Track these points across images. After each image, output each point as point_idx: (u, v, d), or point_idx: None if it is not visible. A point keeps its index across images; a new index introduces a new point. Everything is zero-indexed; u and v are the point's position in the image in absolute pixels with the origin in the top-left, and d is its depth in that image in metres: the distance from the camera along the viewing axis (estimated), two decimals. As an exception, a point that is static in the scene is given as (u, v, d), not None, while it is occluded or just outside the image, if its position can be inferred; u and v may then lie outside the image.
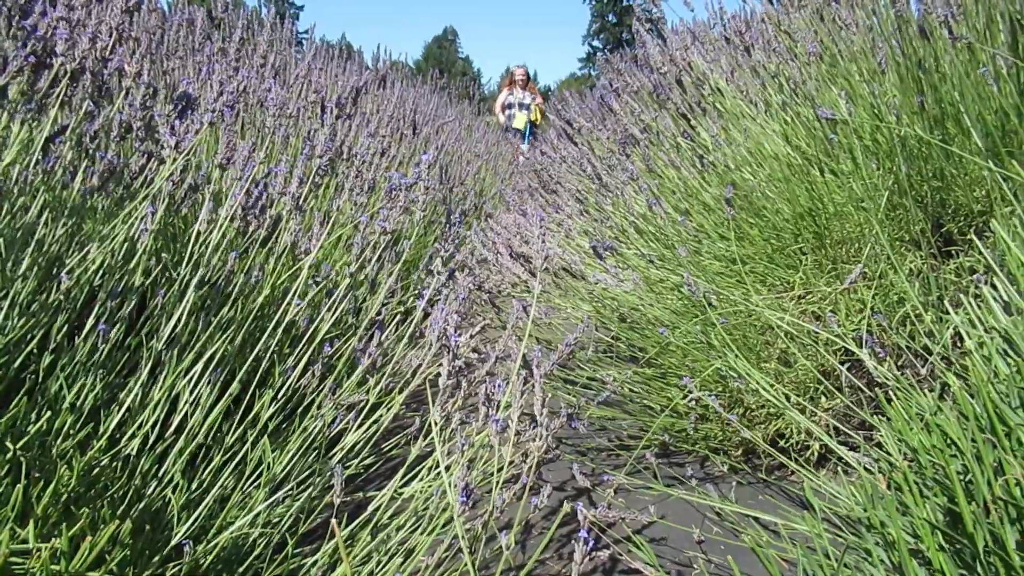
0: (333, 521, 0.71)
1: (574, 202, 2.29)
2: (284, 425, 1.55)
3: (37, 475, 0.79)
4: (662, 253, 2.24)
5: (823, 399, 1.78)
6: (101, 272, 1.35)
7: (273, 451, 1.25)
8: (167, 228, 1.81)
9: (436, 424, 0.94)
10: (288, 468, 1.14)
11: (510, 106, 10.09)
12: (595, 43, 50.45)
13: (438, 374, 1.39)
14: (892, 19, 1.73)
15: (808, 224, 1.97)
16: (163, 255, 1.64)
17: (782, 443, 1.80)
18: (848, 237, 1.92)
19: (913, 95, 1.71)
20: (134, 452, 1.02)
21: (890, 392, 1.34)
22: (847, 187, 1.87)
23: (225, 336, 1.11)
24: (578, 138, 2.50)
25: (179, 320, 1.17)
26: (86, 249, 1.20)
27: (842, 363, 1.73)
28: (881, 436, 1.28)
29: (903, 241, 1.81)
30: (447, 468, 1.10)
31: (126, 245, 1.21)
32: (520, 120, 9.92)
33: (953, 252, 1.74)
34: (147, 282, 1.66)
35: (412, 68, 12.48)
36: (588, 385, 2.11)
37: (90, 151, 1.32)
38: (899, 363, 1.70)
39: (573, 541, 1.62)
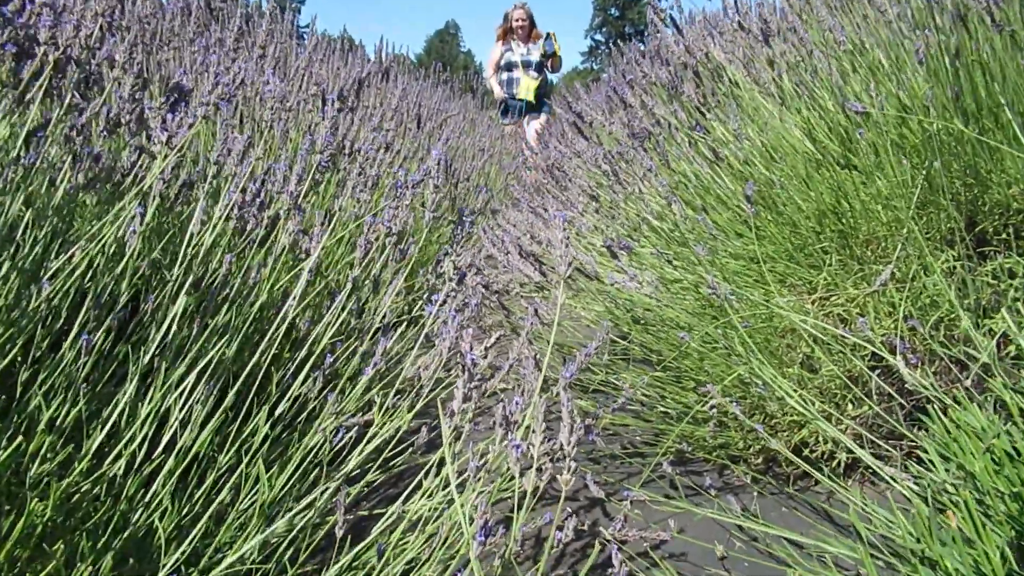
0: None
1: (585, 198, 2.20)
2: (284, 435, 1.47)
3: (8, 507, 0.71)
4: (677, 251, 2.15)
5: (850, 406, 1.69)
6: (90, 275, 1.27)
7: (272, 467, 1.17)
8: (162, 227, 1.73)
9: (448, 446, 0.86)
10: (287, 487, 1.06)
11: (509, 67, 6.56)
12: (597, 37, 50.26)
13: (444, 380, 1.30)
14: (922, 6, 1.64)
15: (831, 222, 1.88)
16: (156, 256, 1.56)
17: (806, 452, 1.71)
18: (874, 236, 1.83)
19: (946, 87, 1.62)
20: (120, 473, 0.94)
21: (932, 405, 1.26)
22: (873, 184, 1.78)
23: (220, 344, 1.03)
24: (588, 131, 2.41)
25: (170, 327, 1.09)
26: (70, 252, 1.11)
27: (870, 369, 1.65)
28: (922, 452, 1.19)
29: (933, 240, 1.73)
30: (459, 488, 1.02)
31: (114, 248, 1.13)
32: (526, 87, 6.46)
33: (988, 252, 1.66)
34: (141, 285, 1.57)
35: (414, 62, 12.30)
36: (600, 389, 2.03)
37: (76, 147, 1.24)
38: (933, 370, 1.61)
39: (588, 557, 1.54)
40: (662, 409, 1.92)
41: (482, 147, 4.97)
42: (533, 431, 0.68)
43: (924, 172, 1.64)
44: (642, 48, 4.49)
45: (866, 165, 1.86)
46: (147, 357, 0.99)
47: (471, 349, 0.68)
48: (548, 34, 6.50)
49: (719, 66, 2.15)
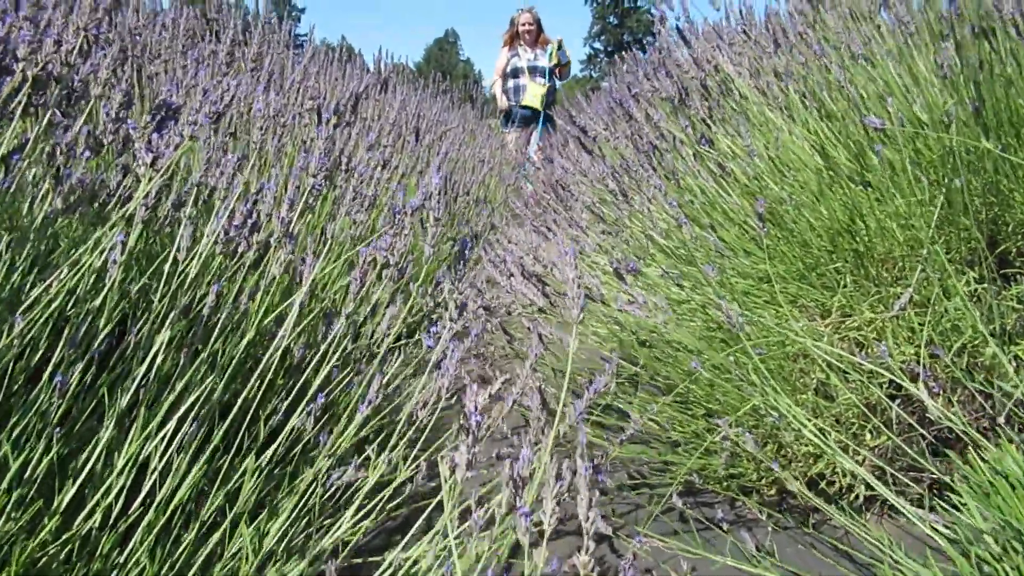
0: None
1: (589, 215, 2.13)
2: (277, 469, 1.40)
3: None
4: (684, 270, 2.09)
5: (868, 436, 1.62)
6: (72, 303, 1.21)
7: (264, 505, 1.10)
8: (151, 249, 1.66)
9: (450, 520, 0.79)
10: (278, 538, 0.99)
11: (516, 73, 6.23)
12: (596, 45, 50.34)
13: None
14: (941, 17, 1.58)
15: (845, 241, 1.81)
16: (145, 281, 1.49)
17: (823, 484, 1.64)
18: (890, 256, 1.77)
19: (965, 101, 1.56)
20: (96, 527, 0.87)
21: (965, 447, 1.19)
22: (890, 202, 1.71)
23: (207, 382, 0.96)
24: (591, 145, 2.35)
25: (152, 363, 1.02)
26: (48, 282, 1.04)
27: (889, 397, 1.58)
28: (952, 494, 1.12)
29: (953, 261, 1.66)
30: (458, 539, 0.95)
31: (95, 278, 1.06)
32: (533, 93, 6.12)
33: (1011, 275, 1.59)
34: (129, 309, 1.50)
35: (413, 70, 12.23)
36: (606, 412, 1.96)
37: (58, 169, 1.17)
38: (957, 399, 1.54)
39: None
40: (671, 437, 1.84)
41: (482, 158, 4.91)
42: (543, 493, 0.61)
43: (944, 190, 1.57)
44: (643, 57, 4.43)
45: (880, 182, 1.79)
46: (126, 399, 0.92)
47: (475, 407, 0.61)
48: (559, 42, 6.24)
49: (726, 78, 2.09)
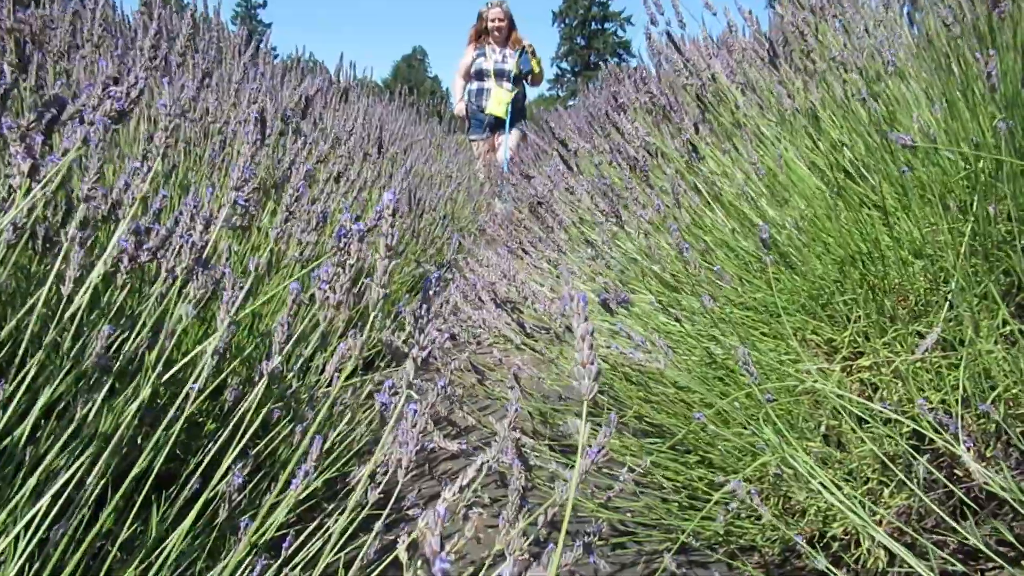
0: None
1: (567, 234, 1.93)
2: (198, 540, 1.16)
3: None
4: (674, 298, 1.89)
5: (885, 492, 1.43)
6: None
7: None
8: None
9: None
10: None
11: (480, 75, 5.42)
12: (563, 65, 50.63)
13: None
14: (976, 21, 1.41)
15: (856, 270, 1.63)
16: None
17: (836, 546, 1.44)
18: (905, 288, 1.59)
19: (990, 120, 1.39)
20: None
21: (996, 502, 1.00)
22: (905, 228, 1.54)
23: (77, 470, 0.72)
24: (572, 160, 2.15)
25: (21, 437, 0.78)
26: None
27: (911, 447, 1.39)
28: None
29: (979, 297, 1.48)
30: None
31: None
32: (498, 100, 5.32)
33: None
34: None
35: (380, 85, 11.98)
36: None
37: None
38: (990, 453, 1.36)
39: None
40: (661, 485, 1.63)
41: (449, 173, 4.70)
42: None
43: (972, 217, 1.40)
44: (625, 67, 4.19)
45: (893, 207, 1.62)
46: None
47: (440, 550, 0.39)
48: (523, 48, 5.47)
49: (720, 88, 1.90)
